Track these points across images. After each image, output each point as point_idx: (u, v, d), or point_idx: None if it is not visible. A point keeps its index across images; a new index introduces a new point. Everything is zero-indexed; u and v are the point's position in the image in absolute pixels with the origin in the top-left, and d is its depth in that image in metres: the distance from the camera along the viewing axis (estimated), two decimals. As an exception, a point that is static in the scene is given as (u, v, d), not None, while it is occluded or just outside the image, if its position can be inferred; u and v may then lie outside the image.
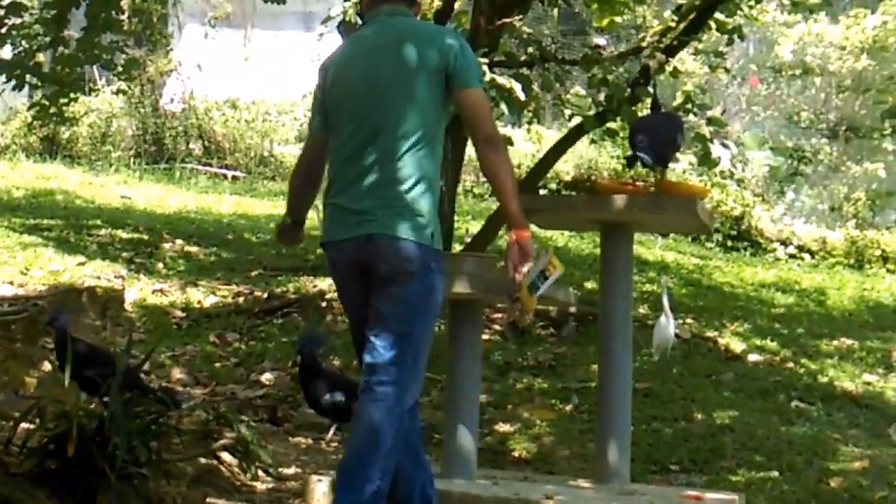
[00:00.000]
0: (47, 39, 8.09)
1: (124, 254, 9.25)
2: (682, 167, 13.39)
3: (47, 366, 5.70)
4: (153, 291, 8.25)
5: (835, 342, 8.75)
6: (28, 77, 8.09)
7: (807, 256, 14.24)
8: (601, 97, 7.87)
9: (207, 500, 4.58)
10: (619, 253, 4.96)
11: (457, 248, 8.35)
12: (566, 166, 14.75)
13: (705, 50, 10.53)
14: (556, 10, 10.80)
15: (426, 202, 3.81)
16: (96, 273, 8.44)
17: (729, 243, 14.30)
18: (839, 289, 11.50)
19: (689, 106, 8.09)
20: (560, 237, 12.25)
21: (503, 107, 7.09)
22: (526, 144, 13.84)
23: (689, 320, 8.70)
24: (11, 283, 7.93)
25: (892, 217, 16.74)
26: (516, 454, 6.03)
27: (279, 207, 4.06)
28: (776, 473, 5.80)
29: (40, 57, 8.74)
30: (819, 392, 7.31)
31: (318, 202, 4.11)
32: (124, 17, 11.97)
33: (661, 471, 5.84)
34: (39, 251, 8.90)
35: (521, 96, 7.00)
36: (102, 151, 15.22)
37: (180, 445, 4.67)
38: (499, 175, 3.85)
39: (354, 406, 3.87)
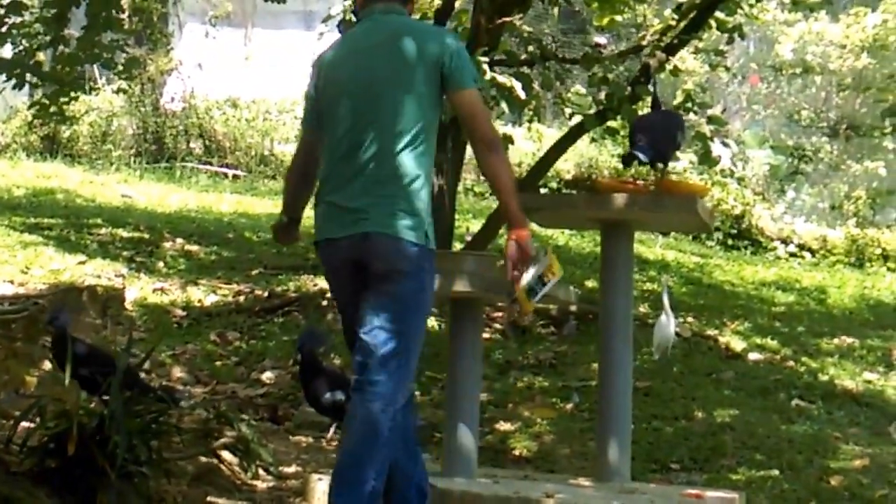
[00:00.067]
0: (48, 38, 8.10)
1: (125, 253, 9.25)
2: (683, 166, 13.39)
3: (48, 365, 5.69)
4: (154, 290, 8.25)
5: (835, 340, 8.75)
6: (28, 76, 8.10)
7: (807, 255, 14.25)
8: (602, 96, 7.87)
9: (208, 498, 4.58)
10: (619, 251, 4.96)
11: (457, 246, 8.36)
12: (567, 165, 14.76)
13: (706, 48, 10.55)
14: (556, 9, 10.79)
15: (422, 200, 3.81)
16: (97, 272, 8.44)
17: (729, 242, 14.31)
18: (840, 287, 11.51)
19: (689, 104, 8.10)
20: (560, 236, 12.26)
21: (504, 105, 7.09)
22: (526, 143, 13.85)
23: (689, 319, 8.70)
24: (12, 281, 7.93)
25: (893, 215, 16.74)
26: (517, 453, 6.03)
27: (280, 206, 4.06)
28: (777, 472, 5.80)
29: (41, 56, 8.75)
30: (819, 390, 7.31)
31: None
32: (125, 15, 11.96)
33: (662, 469, 5.84)
34: (40, 250, 8.90)
35: (522, 95, 7.00)
36: (103, 150, 15.22)
37: (181, 444, 4.66)
38: (499, 176, 3.85)
39: (347, 405, 3.86)
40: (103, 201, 11.98)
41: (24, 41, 8.23)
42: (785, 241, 14.46)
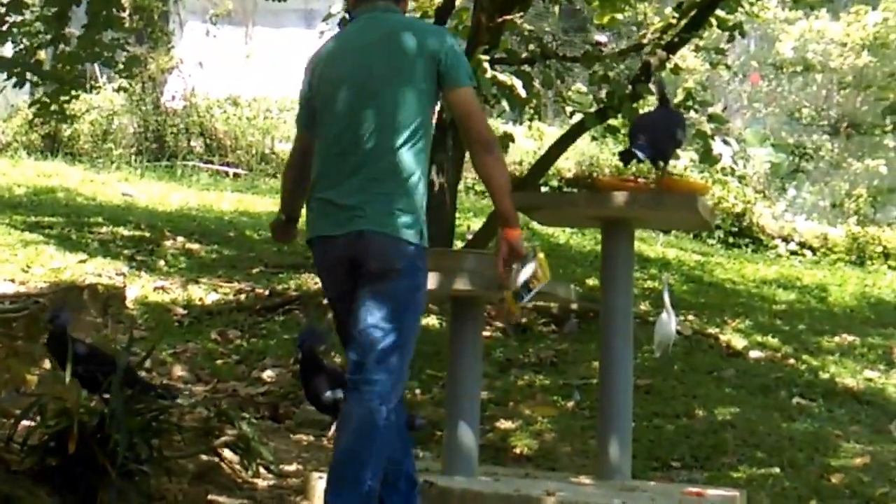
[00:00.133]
0: (48, 37, 8.11)
1: (125, 251, 9.25)
2: (684, 164, 13.39)
3: (48, 363, 5.69)
4: (154, 289, 8.25)
5: (836, 339, 8.75)
6: (29, 74, 8.11)
7: (808, 253, 14.26)
8: (602, 94, 7.87)
9: (208, 496, 4.58)
10: (620, 250, 4.96)
11: (458, 245, 8.35)
12: (567, 163, 14.76)
13: (706, 47, 10.55)
14: (557, 7, 10.80)
15: (418, 199, 3.80)
16: (97, 270, 8.44)
17: (730, 240, 14.32)
18: (840, 285, 11.51)
19: (690, 103, 8.10)
20: (561, 234, 12.26)
21: (504, 103, 7.09)
22: (527, 141, 13.84)
23: (690, 317, 8.70)
24: (13, 280, 7.93)
25: (894, 213, 16.76)
26: (517, 451, 6.03)
27: (279, 205, 4.08)
28: (777, 470, 5.79)
29: (41, 54, 8.76)
30: (820, 388, 7.31)
31: None
32: (125, 14, 11.94)
33: (663, 467, 5.83)
34: (41, 249, 8.90)
35: (523, 93, 7.01)
36: (104, 149, 15.23)
37: (181, 442, 4.67)
38: (493, 176, 3.84)
39: (342, 405, 3.85)
40: (104, 200, 11.98)
41: (24, 40, 8.24)
42: (786, 239, 14.46)
